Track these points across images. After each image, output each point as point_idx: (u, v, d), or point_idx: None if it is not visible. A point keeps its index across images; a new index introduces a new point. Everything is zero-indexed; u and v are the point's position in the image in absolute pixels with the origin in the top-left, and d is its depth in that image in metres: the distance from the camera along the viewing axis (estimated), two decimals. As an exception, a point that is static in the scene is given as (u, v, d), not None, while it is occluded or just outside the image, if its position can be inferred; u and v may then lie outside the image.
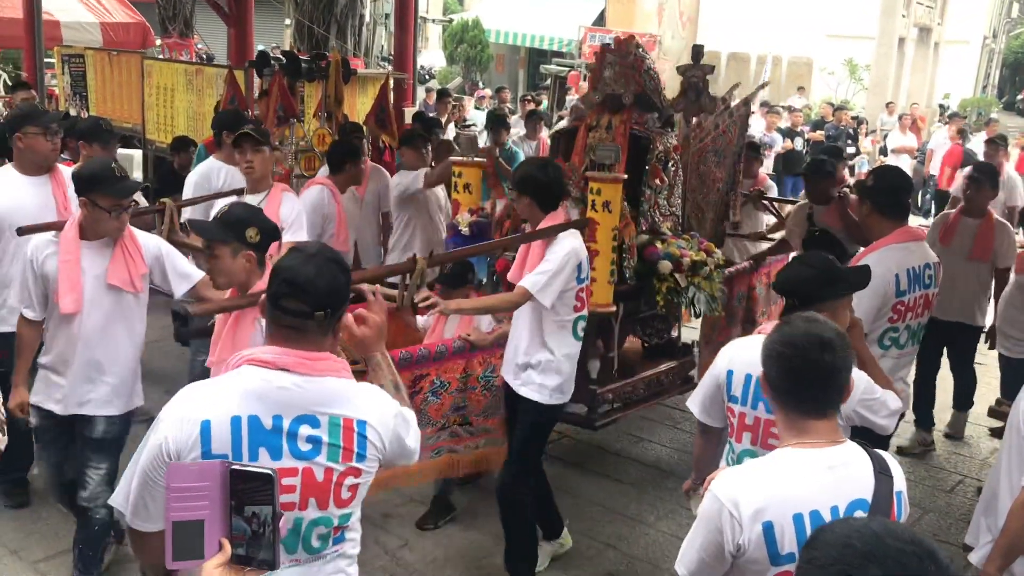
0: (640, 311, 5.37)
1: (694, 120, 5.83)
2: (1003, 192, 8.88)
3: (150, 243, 3.87)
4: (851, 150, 15.59)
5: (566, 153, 5.49)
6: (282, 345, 2.13)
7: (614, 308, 4.90)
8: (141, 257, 3.78)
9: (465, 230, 5.38)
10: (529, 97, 15.17)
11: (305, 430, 2.10)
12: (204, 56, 16.03)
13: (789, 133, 14.98)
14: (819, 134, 15.79)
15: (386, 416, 2.22)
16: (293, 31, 12.99)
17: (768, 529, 2.05)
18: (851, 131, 16.24)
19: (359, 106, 8.79)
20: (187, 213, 5.03)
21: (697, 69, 5.87)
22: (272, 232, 3.40)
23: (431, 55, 29.38)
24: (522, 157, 8.72)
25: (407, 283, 3.75)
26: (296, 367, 2.10)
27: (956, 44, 30.84)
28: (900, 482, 2.17)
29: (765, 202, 7.00)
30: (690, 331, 6.68)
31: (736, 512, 2.08)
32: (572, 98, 18.12)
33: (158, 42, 14.50)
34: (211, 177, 5.63)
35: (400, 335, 4.95)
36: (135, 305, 3.83)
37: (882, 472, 2.14)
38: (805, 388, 2.16)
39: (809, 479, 2.09)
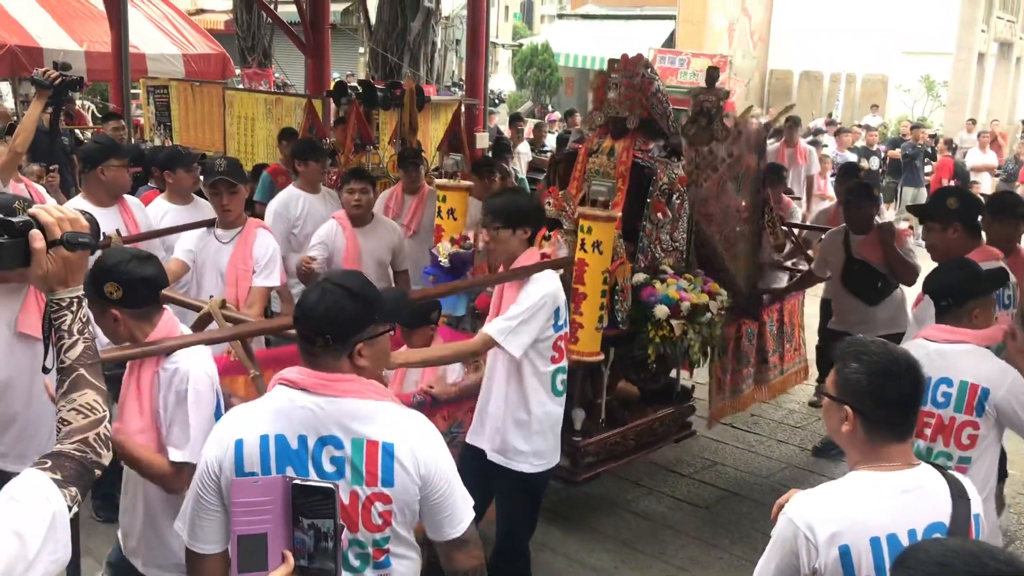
0: (634, 354, 4.75)
1: (705, 149, 5.29)
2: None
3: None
4: (928, 169, 15.27)
5: (564, 179, 5.13)
6: (305, 366, 2.20)
7: (601, 356, 4.40)
8: None
9: (444, 261, 4.85)
10: (599, 120, 15.21)
11: (329, 451, 2.13)
12: (281, 85, 16.47)
13: (865, 152, 14.72)
14: (896, 152, 15.50)
15: (420, 441, 2.18)
16: (368, 59, 13.29)
17: (845, 553, 2.04)
18: (929, 149, 15.91)
19: (431, 132, 8.96)
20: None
21: (711, 94, 5.38)
22: (137, 284, 2.74)
23: (500, 79, 29.69)
24: (593, 180, 8.78)
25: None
26: (316, 388, 2.14)
27: (1039, 58, 30.03)
28: (977, 505, 2.15)
29: (785, 228, 6.51)
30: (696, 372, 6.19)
31: (812, 536, 2.07)
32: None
33: (237, 72, 14.95)
34: (290, 206, 5.84)
35: None
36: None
37: (959, 495, 2.12)
38: (900, 413, 2.14)
39: (885, 503, 2.08)
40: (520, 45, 31.63)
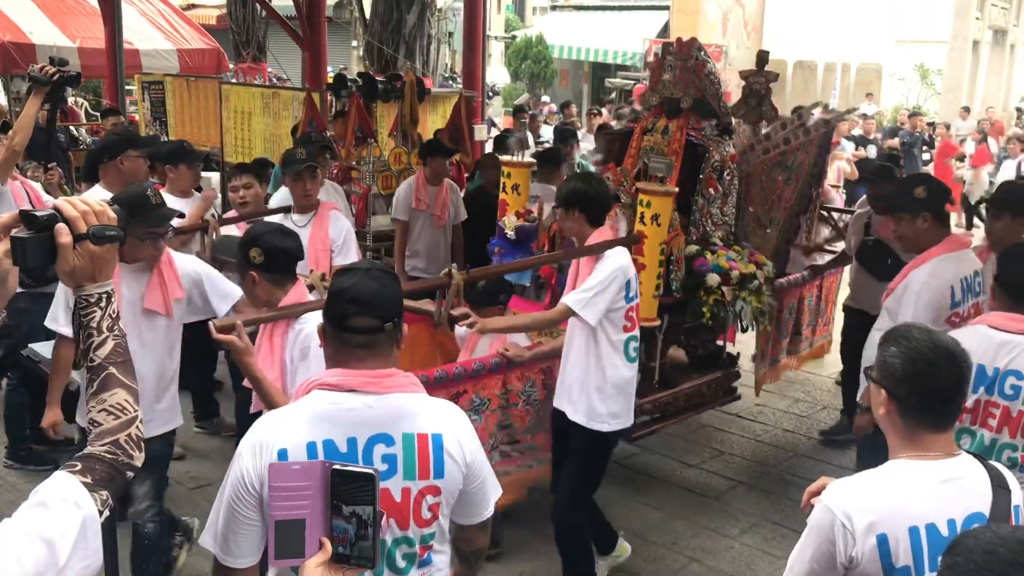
0: (685, 322, 5.15)
1: (762, 130, 5.48)
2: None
3: (188, 267, 3.83)
4: (926, 156, 15.27)
5: (620, 156, 5.38)
6: (348, 366, 2.11)
7: (658, 322, 4.76)
8: (178, 283, 3.73)
9: (511, 233, 5.20)
10: (595, 111, 15.18)
11: (380, 449, 2.08)
12: (277, 79, 16.39)
13: (862, 141, 14.71)
14: (894, 141, 15.49)
15: (463, 430, 2.20)
16: (363, 52, 13.23)
17: (883, 542, 2.02)
18: (927, 137, 15.91)
19: (429, 124, 8.90)
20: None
21: (761, 75, 5.57)
22: (279, 254, 3.33)
23: (494, 72, 29.59)
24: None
25: (444, 299, 3.83)
26: (364, 387, 2.08)
27: (1032, 45, 30.06)
28: (1018, 496, 2.12)
29: (824, 212, 6.71)
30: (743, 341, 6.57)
31: (849, 524, 2.05)
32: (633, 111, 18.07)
33: (232, 67, 14.88)
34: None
35: (438, 352, 5.00)
36: (170, 328, 3.78)
37: (1000, 486, 2.09)
38: (936, 403, 2.11)
39: (924, 492, 2.06)
40: (514, 37, 31.56)
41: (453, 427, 2.18)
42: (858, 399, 4.19)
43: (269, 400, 3.05)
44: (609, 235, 4.05)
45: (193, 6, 25.06)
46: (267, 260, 3.28)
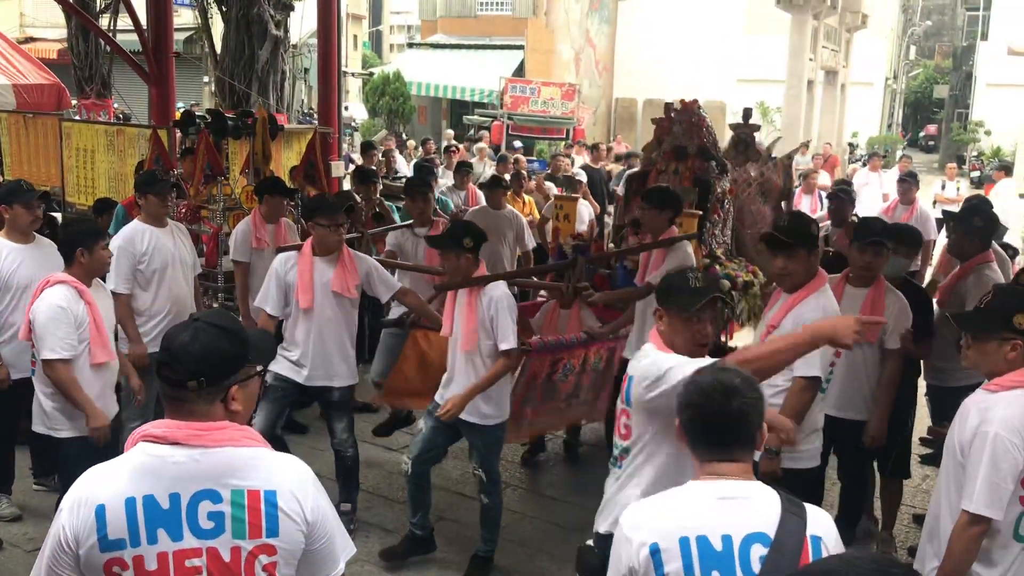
0: None
1: (741, 168, 6.96)
2: (917, 226, 9.24)
3: (364, 260, 5.13)
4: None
5: (639, 194, 6.46)
6: (174, 418, 2.03)
7: None
8: (356, 270, 4.99)
9: (569, 252, 6.51)
10: (454, 148, 15.29)
11: (206, 507, 1.99)
12: (122, 116, 15.80)
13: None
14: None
15: (302, 486, 2.08)
16: (214, 88, 12.91)
17: (655, 552, 2.14)
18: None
19: (284, 161, 8.76)
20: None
21: (746, 127, 7.24)
22: (481, 237, 4.66)
23: (352, 108, 29.45)
24: (452, 207, 8.82)
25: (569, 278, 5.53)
26: (189, 440, 1.99)
27: (860, 85, 32.17)
28: (818, 527, 2.15)
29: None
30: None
31: (631, 536, 2.19)
32: (483, 146, 18.28)
33: (74, 103, 14.25)
34: (135, 241, 5.46)
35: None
36: (351, 306, 5.06)
37: (793, 512, 2.15)
38: (712, 432, 2.25)
39: (700, 507, 2.18)
40: (371, 74, 31.51)
41: (290, 483, 2.07)
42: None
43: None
44: (676, 232, 5.39)
45: (31, 39, 23.97)
46: (476, 246, 4.57)
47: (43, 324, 4.39)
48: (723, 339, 6.43)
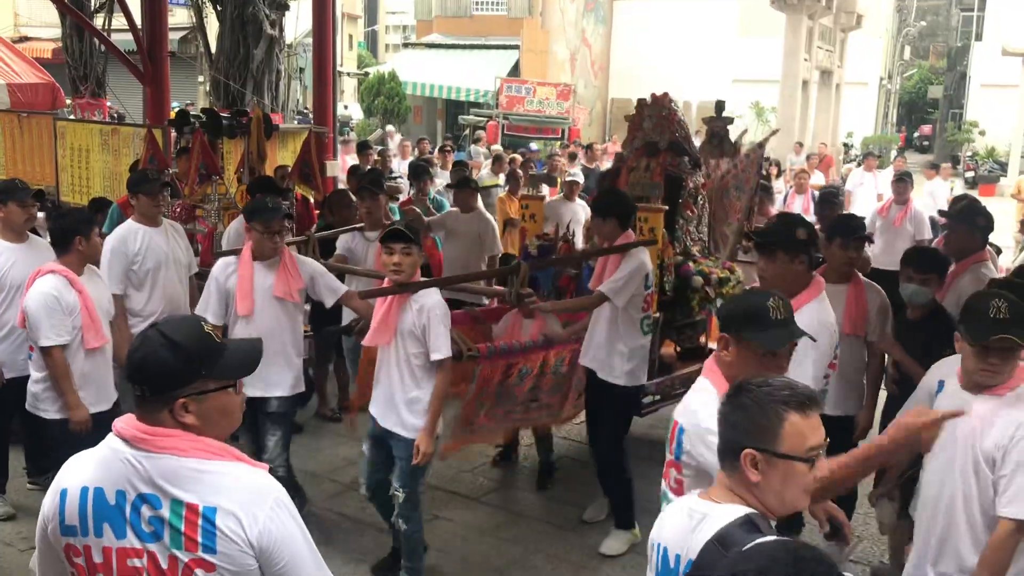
0: (676, 320, 6.08)
1: (714, 162, 6.77)
2: (911, 226, 9.28)
3: (307, 264, 4.91)
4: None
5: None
6: (138, 417, 2.03)
7: (657, 315, 5.56)
8: (298, 274, 4.75)
9: (534, 251, 6.50)
10: (449, 148, 15.29)
11: (147, 510, 1.96)
12: (117, 115, 15.77)
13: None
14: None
15: (252, 507, 1.96)
16: (209, 87, 12.89)
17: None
18: (764, 172, 16.69)
19: (279, 160, 8.73)
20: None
21: (720, 120, 6.95)
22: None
23: (352, 108, 29.45)
24: (447, 206, 8.75)
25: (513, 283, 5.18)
26: (135, 440, 1.97)
27: (855, 86, 32.23)
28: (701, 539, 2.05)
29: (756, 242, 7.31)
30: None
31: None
32: (477, 148, 18.28)
33: (69, 102, 14.22)
34: (128, 241, 5.44)
35: (481, 339, 5.60)
36: (296, 311, 4.84)
37: (719, 542, 1.98)
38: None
39: (674, 520, 2.19)
40: (366, 74, 31.49)
41: (236, 502, 1.96)
42: None
43: None
44: (633, 238, 5.13)
45: (26, 39, 23.93)
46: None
47: (36, 312, 4.51)
48: (704, 341, 6.37)
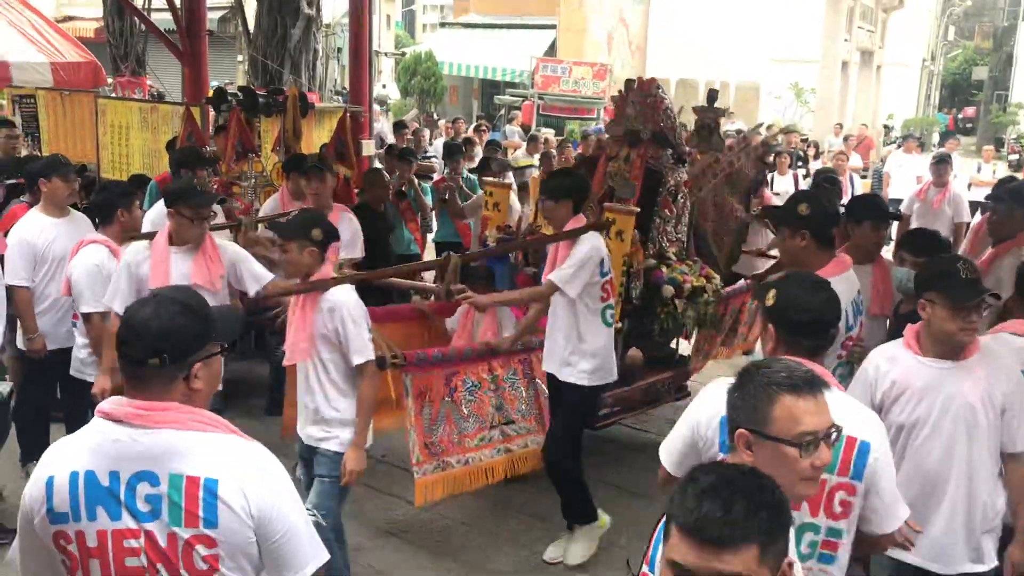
0: (643, 327, 5.61)
1: (711, 157, 6.12)
2: (949, 209, 9.17)
3: (228, 249, 4.54)
4: (801, 172, 15.88)
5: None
6: (131, 396, 1.99)
7: (620, 326, 5.12)
8: (219, 261, 4.40)
9: (492, 244, 6.07)
10: (484, 127, 15.31)
11: (144, 488, 1.93)
12: (156, 94, 15.97)
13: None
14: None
15: (251, 477, 1.97)
16: (247, 67, 13.01)
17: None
18: (801, 153, 16.56)
19: (315, 139, 8.83)
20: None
21: (711, 111, 6.28)
22: (333, 233, 3.94)
23: (385, 88, 29.53)
24: (479, 188, 8.80)
25: (443, 277, 4.59)
26: (131, 419, 1.95)
27: (897, 67, 31.74)
28: None
29: (768, 220, 7.00)
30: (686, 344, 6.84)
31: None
32: (513, 128, 18.28)
33: (110, 81, 14.43)
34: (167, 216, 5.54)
35: (433, 338, 5.39)
36: (219, 303, 4.19)
37: None
38: None
39: None
40: (403, 54, 31.53)
41: (237, 473, 1.96)
42: None
43: None
44: (583, 222, 4.57)
45: (70, 18, 24.24)
46: (325, 239, 3.83)
47: (79, 280, 4.72)
48: (675, 347, 6.15)
